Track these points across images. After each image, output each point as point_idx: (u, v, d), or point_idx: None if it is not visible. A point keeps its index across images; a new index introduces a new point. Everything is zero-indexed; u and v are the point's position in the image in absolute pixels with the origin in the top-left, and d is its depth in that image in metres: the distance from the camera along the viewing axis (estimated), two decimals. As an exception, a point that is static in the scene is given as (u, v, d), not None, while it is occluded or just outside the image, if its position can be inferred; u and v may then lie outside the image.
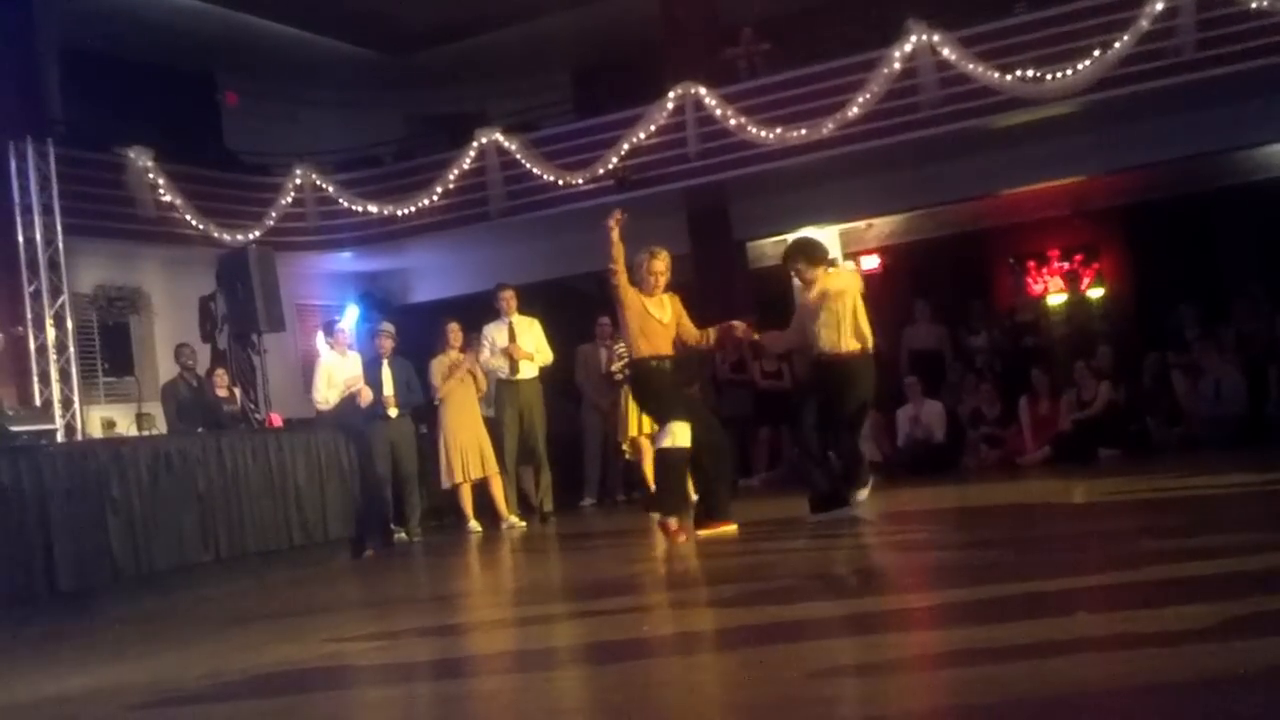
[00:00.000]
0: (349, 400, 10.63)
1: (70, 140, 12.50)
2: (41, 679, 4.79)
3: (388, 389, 10.54)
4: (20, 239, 11.49)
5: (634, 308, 7.34)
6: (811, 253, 7.86)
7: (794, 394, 8.93)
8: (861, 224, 14.77)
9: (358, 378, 10.50)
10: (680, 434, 7.15)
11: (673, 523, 7.16)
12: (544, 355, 10.78)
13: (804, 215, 14.14)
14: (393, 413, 10.49)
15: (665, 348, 7.39)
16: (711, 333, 7.73)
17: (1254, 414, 11.02)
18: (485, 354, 10.66)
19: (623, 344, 10.51)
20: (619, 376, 10.54)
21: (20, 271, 11.41)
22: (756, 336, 8.16)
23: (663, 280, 7.45)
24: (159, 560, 7.60)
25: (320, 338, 11.66)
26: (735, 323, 7.87)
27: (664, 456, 7.30)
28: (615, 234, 7.18)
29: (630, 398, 10.23)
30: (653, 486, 10.26)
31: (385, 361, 10.66)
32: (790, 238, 14.50)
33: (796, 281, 8.21)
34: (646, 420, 9.95)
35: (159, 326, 13.50)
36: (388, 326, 11.03)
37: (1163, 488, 8.08)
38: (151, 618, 6.63)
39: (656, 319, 7.37)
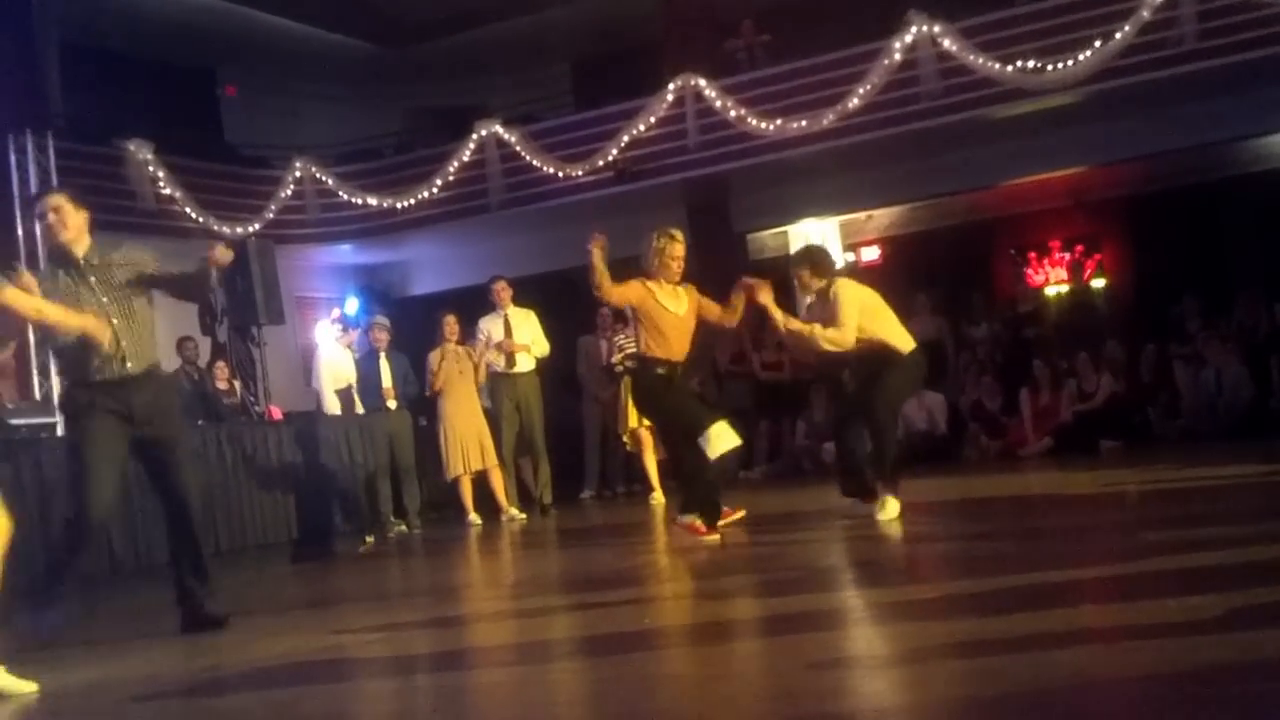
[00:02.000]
0: (347, 396, 10.67)
1: (70, 133, 12.49)
2: (42, 672, 4.79)
3: (386, 381, 10.56)
4: (20, 232, 11.47)
5: (645, 305, 6.73)
6: (817, 261, 7.28)
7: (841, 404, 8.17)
8: (862, 215, 14.76)
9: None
10: (728, 434, 6.64)
11: (700, 525, 6.73)
12: (540, 347, 10.76)
13: (804, 207, 14.14)
14: (391, 405, 10.51)
15: (681, 347, 6.82)
16: (737, 303, 7.09)
17: (1256, 405, 11.01)
18: (481, 347, 10.65)
19: (624, 336, 10.51)
20: (619, 369, 10.53)
21: (20, 266, 11.39)
22: (771, 307, 7.08)
23: (682, 267, 6.86)
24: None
25: (328, 328, 11.66)
26: (751, 281, 7.07)
27: (715, 464, 6.69)
28: (597, 258, 6.52)
29: (630, 390, 10.21)
30: (654, 485, 10.28)
31: (382, 354, 10.68)
32: (789, 230, 14.62)
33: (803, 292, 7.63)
34: (647, 413, 9.90)
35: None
36: (382, 320, 11.04)
37: (1164, 479, 8.07)
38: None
39: (672, 312, 6.78)
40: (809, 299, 7.40)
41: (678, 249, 6.85)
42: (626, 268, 6.92)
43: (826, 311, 7.03)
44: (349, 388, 10.70)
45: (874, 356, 7.06)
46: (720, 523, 6.83)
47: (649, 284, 6.85)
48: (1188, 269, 13.41)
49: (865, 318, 6.97)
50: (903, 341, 7.10)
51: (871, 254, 15.41)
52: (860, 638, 3.89)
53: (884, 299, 7.25)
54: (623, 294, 6.74)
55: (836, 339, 6.91)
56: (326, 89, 16.40)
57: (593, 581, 5.93)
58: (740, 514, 7.10)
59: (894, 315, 7.18)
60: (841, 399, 7.54)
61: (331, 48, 15.76)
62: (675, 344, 6.81)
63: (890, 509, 6.74)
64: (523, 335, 10.69)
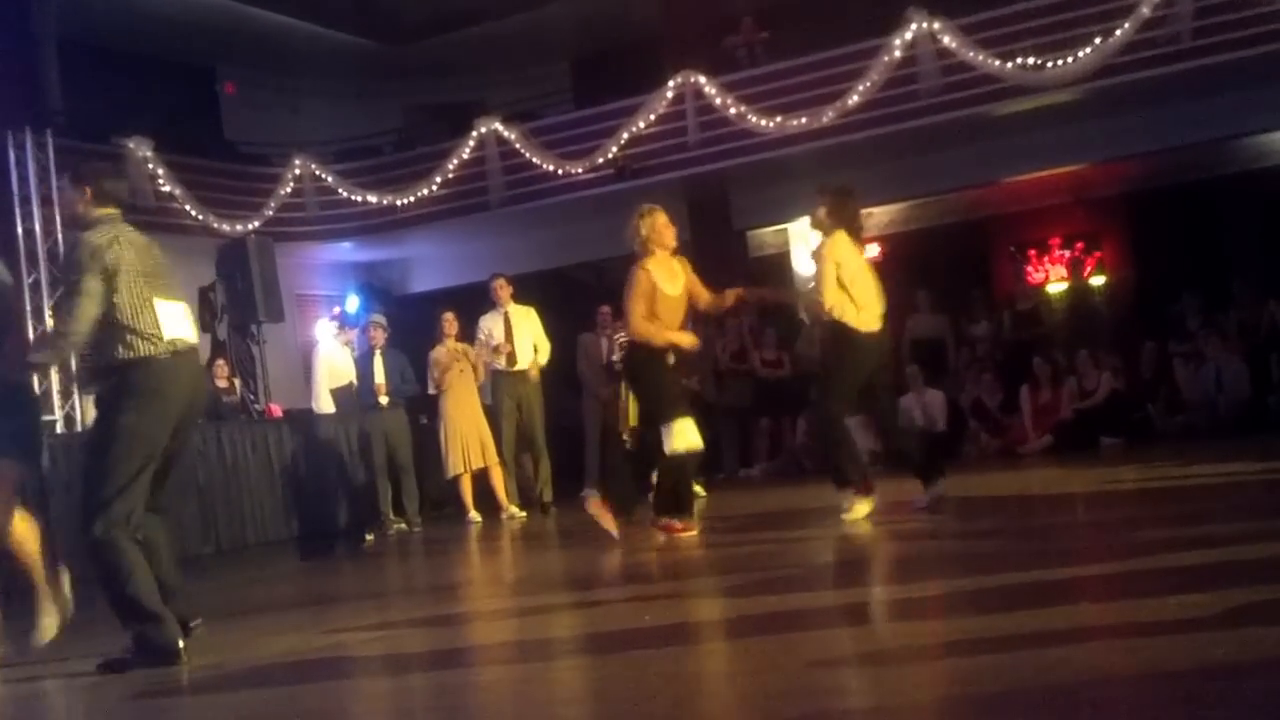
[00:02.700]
0: (347, 394, 10.67)
1: (69, 131, 12.47)
2: (43, 670, 4.80)
3: (379, 378, 10.55)
4: (20, 230, 11.47)
5: (646, 292, 6.75)
6: (837, 199, 7.17)
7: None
8: (862, 213, 14.72)
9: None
10: (690, 433, 6.68)
11: (678, 523, 6.83)
12: (543, 351, 10.74)
13: (804, 204, 14.03)
14: (383, 400, 10.49)
15: (673, 328, 6.88)
16: (728, 296, 7.18)
17: (1256, 402, 11.02)
18: (480, 347, 10.65)
19: (624, 334, 10.49)
20: (620, 366, 10.52)
21: (20, 263, 11.39)
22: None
23: (674, 232, 6.92)
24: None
25: (328, 326, 11.66)
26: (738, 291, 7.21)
27: (676, 460, 6.74)
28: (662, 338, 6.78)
29: (622, 365, 10.18)
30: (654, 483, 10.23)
31: (378, 352, 10.67)
32: (789, 227, 14.60)
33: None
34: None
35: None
36: (378, 318, 11.06)
37: (1164, 476, 8.07)
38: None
39: (670, 295, 6.81)
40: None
41: (663, 217, 6.92)
42: (630, 264, 6.95)
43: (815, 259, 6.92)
44: (349, 385, 10.72)
45: (831, 337, 6.88)
46: (676, 524, 6.81)
47: (648, 268, 6.83)
48: (1188, 266, 13.40)
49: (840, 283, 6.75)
50: (860, 320, 6.79)
51: (871, 251, 15.31)
52: (860, 635, 3.89)
53: (884, 294, 7.08)
54: (648, 304, 6.75)
55: (813, 300, 6.83)
56: (326, 86, 16.39)
57: (593, 579, 5.93)
58: (694, 532, 6.95)
59: (871, 290, 6.91)
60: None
61: (331, 45, 15.75)
62: (669, 325, 6.84)
63: (857, 510, 6.64)
64: (523, 333, 10.69)
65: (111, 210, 4.74)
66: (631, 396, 10.12)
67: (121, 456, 4.47)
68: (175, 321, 4.65)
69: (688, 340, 7.03)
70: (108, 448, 4.51)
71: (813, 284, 7.10)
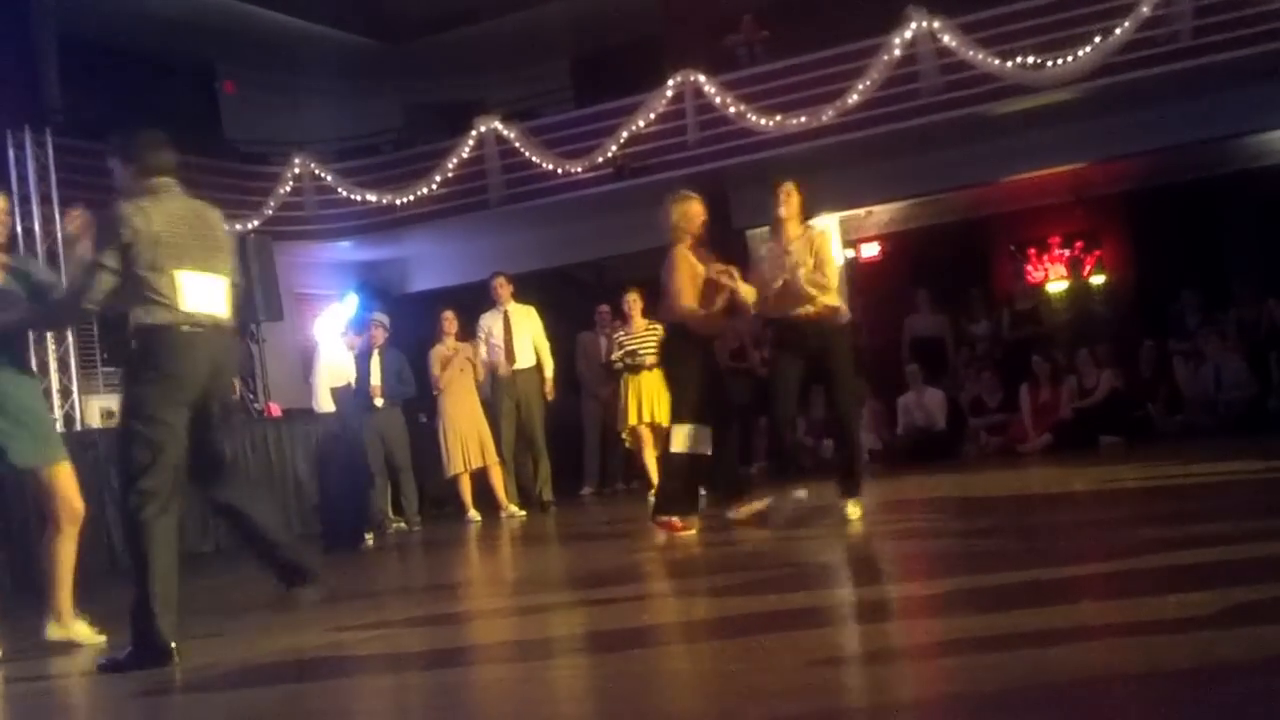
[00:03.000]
0: (345, 393, 10.65)
1: (69, 131, 12.47)
2: (42, 668, 4.80)
3: (375, 379, 10.53)
4: (19, 229, 11.45)
5: (689, 274, 6.72)
6: (803, 197, 7.01)
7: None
8: (862, 212, 14.75)
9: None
10: (701, 441, 6.71)
11: (678, 521, 6.84)
12: (547, 363, 10.72)
13: (804, 203, 14.09)
14: (378, 402, 10.47)
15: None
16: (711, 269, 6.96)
17: (1255, 401, 11.02)
18: (481, 348, 10.64)
19: (623, 333, 10.51)
20: (618, 365, 10.53)
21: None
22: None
23: (705, 220, 6.88)
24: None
25: (330, 326, 11.63)
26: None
27: (679, 460, 6.78)
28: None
29: (629, 386, 10.20)
30: (654, 482, 10.23)
31: (376, 351, 10.66)
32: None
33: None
34: (646, 409, 9.92)
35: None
36: (380, 317, 11.04)
37: (1163, 475, 8.07)
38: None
39: (705, 278, 6.79)
40: (763, 249, 7.08)
41: (695, 204, 6.89)
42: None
43: (798, 254, 6.74)
44: (349, 385, 10.69)
45: (838, 331, 6.81)
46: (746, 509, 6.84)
47: (686, 253, 6.80)
48: (1188, 265, 13.41)
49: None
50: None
51: (871, 250, 15.40)
52: (860, 634, 3.89)
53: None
54: (694, 287, 6.72)
55: (821, 284, 6.70)
56: (326, 85, 16.39)
57: (593, 578, 5.93)
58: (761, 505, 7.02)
59: None
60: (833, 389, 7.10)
61: (331, 43, 15.75)
62: (704, 307, 6.82)
63: (855, 509, 6.69)
64: (523, 332, 10.69)
65: (161, 180, 4.74)
66: (630, 395, 10.16)
67: (141, 426, 4.49)
68: (200, 294, 4.62)
69: (721, 321, 7.06)
70: (130, 418, 4.56)
71: (800, 272, 6.92)
